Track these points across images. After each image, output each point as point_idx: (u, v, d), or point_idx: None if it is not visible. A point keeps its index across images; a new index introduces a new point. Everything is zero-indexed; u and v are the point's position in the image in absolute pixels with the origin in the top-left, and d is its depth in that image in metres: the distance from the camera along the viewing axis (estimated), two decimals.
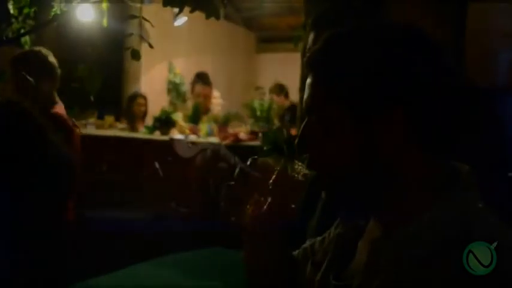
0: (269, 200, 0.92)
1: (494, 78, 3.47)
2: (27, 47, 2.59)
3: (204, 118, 5.40)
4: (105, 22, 2.25)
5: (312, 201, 1.35)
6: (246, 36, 8.21)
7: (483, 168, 1.00)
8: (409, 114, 0.75)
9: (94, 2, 2.31)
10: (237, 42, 7.95)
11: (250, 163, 0.96)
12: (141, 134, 4.93)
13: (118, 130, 4.87)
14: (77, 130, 2.63)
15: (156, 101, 5.64)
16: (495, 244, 0.68)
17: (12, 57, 2.54)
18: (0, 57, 2.86)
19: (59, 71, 2.63)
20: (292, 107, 4.71)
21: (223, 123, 5.36)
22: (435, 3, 2.71)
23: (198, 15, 2.09)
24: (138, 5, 3.49)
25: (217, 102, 5.81)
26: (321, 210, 1.39)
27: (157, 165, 4.56)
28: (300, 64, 2.63)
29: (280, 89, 6.09)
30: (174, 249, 2.10)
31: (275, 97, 5.92)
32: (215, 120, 5.38)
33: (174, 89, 6.49)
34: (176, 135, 4.84)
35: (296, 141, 0.84)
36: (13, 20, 2.29)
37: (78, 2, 2.20)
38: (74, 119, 2.68)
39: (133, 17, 2.17)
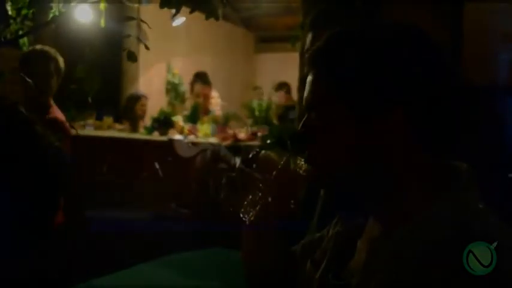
0: (269, 200, 0.93)
1: (493, 78, 3.47)
2: (25, 49, 2.59)
3: (204, 118, 5.40)
4: (102, 22, 2.24)
5: (313, 198, 1.35)
6: (244, 36, 8.21)
7: (483, 168, 1.00)
8: (409, 114, 0.75)
9: (92, 3, 2.30)
10: (235, 42, 7.95)
11: (252, 156, 0.96)
12: (140, 134, 4.92)
13: (117, 131, 4.86)
14: (73, 131, 2.64)
15: (155, 102, 5.64)
16: (495, 244, 0.68)
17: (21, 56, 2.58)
18: None
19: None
20: (294, 106, 4.72)
21: (223, 123, 5.36)
22: (431, 4, 2.72)
23: (197, 15, 2.08)
24: (136, 5, 3.49)
25: (216, 102, 5.80)
26: (321, 207, 1.39)
27: (157, 165, 4.56)
28: (298, 64, 2.63)
29: (280, 86, 6.10)
30: (174, 249, 2.09)
31: (279, 95, 5.93)
32: (215, 120, 5.38)
33: (172, 89, 6.47)
34: (175, 135, 4.84)
35: (295, 136, 0.84)
36: (11, 21, 2.28)
37: (77, 3, 2.19)
38: (70, 121, 2.69)
39: (131, 18, 2.16)
